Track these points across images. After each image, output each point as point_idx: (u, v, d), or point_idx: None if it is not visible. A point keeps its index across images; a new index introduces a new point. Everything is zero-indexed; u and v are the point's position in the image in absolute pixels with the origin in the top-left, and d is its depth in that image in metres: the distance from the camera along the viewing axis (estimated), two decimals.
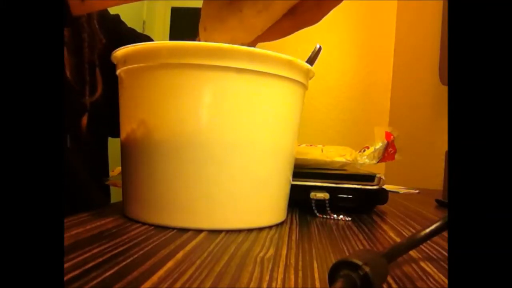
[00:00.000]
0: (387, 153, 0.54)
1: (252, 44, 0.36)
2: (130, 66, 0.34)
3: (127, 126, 0.35)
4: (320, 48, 0.44)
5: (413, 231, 0.38)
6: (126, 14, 0.71)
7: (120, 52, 0.35)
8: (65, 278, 0.20)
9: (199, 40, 0.38)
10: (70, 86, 0.54)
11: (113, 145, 0.62)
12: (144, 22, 3.04)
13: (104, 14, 0.64)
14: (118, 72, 0.37)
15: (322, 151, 0.53)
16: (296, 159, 0.40)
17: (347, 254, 0.28)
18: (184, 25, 3.09)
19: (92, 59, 0.57)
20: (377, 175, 0.48)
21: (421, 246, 0.30)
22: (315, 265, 0.25)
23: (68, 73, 0.54)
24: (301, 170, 0.47)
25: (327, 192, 0.46)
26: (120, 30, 0.68)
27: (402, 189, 0.86)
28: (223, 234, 0.31)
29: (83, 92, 0.55)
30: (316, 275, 0.23)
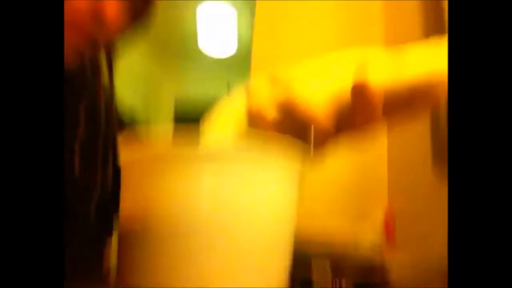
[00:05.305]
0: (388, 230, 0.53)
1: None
2: (130, 156, 0.35)
3: (125, 213, 0.35)
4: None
5: None
6: None
7: (123, 139, 0.36)
8: None
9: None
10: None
11: None
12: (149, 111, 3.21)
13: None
14: (120, 162, 0.37)
15: None
16: None
17: None
18: (188, 114, 3.27)
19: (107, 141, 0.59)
20: None
21: None
22: None
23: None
24: None
25: None
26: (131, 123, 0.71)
27: None
28: None
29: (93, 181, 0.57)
30: None
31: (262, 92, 0.38)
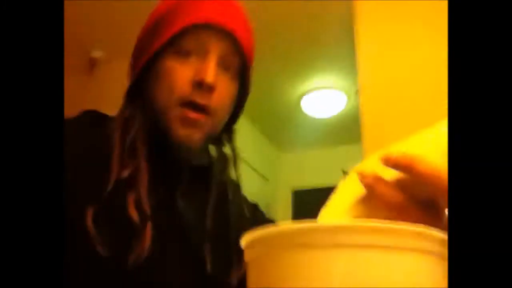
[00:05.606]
0: None
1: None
2: (255, 250, 0.33)
3: None
4: None
5: None
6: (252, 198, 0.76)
7: (247, 237, 0.33)
8: None
9: None
10: None
11: None
12: (268, 205, 3.19)
13: (245, 198, 0.70)
14: (245, 257, 0.35)
15: None
16: None
17: None
18: (306, 206, 3.14)
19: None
20: None
21: None
22: None
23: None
24: None
25: None
26: (258, 216, 0.71)
27: None
28: None
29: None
30: None
31: (378, 172, 0.36)
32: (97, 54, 2.35)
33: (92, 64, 2.40)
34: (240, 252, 0.56)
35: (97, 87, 2.37)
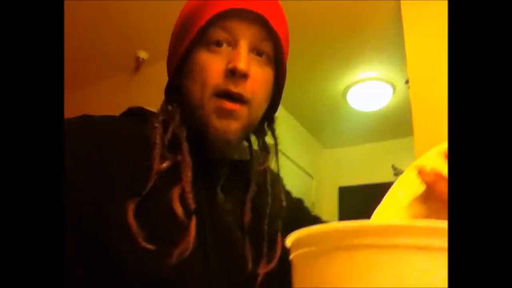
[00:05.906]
0: None
1: None
2: (302, 250, 0.33)
3: None
4: None
5: None
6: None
7: (293, 236, 0.33)
8: None
9: None
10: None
11: None
12: (313, 204, 3.18)
13: (287, 193, 0.69)
14: (291, 256, 0.34)
15: None
16: None
17: None
18: (352, 203, 3.18)
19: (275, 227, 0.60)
20: None
21: None
22: None
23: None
24: None
25: None
26: (303, 212, 0.72)
27: None
28: None
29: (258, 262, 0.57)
30: None
31: (440, 170, 0.35)
32: (143, 54, 2.46)
33: (138, 64, 2.51)
34: (272, 244, 0.57)
35: (142, 85, 2.47)
